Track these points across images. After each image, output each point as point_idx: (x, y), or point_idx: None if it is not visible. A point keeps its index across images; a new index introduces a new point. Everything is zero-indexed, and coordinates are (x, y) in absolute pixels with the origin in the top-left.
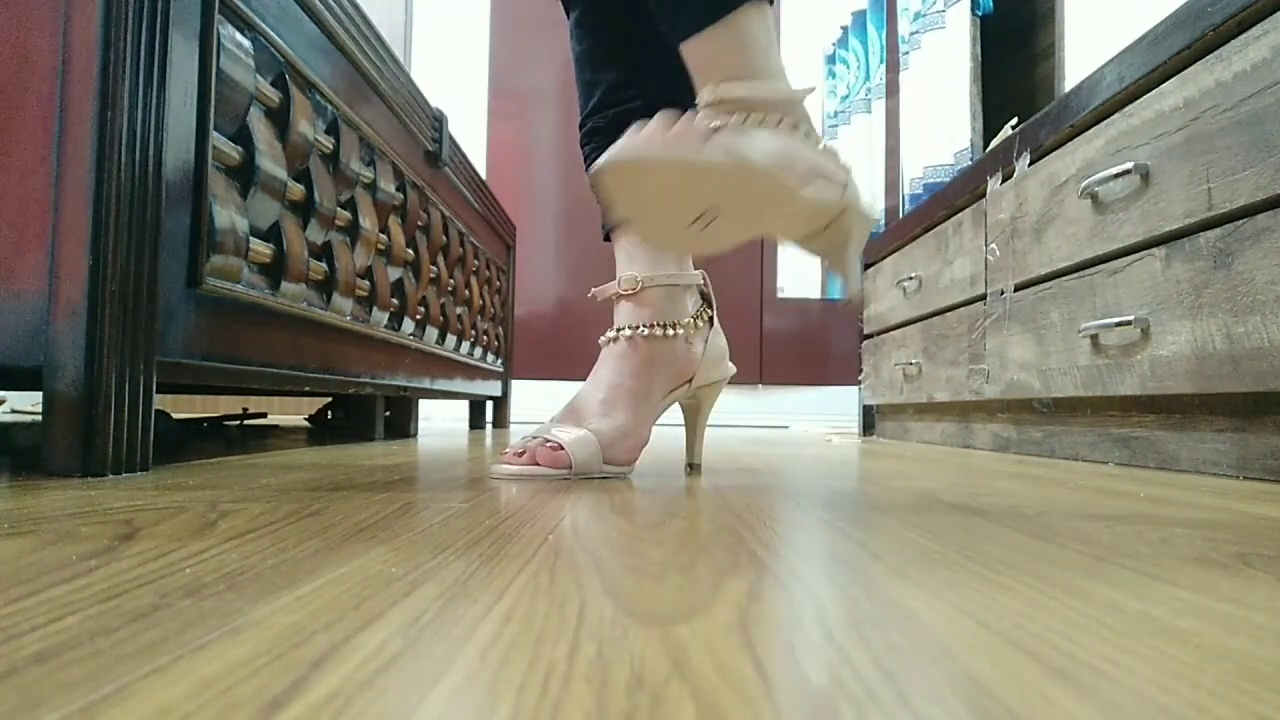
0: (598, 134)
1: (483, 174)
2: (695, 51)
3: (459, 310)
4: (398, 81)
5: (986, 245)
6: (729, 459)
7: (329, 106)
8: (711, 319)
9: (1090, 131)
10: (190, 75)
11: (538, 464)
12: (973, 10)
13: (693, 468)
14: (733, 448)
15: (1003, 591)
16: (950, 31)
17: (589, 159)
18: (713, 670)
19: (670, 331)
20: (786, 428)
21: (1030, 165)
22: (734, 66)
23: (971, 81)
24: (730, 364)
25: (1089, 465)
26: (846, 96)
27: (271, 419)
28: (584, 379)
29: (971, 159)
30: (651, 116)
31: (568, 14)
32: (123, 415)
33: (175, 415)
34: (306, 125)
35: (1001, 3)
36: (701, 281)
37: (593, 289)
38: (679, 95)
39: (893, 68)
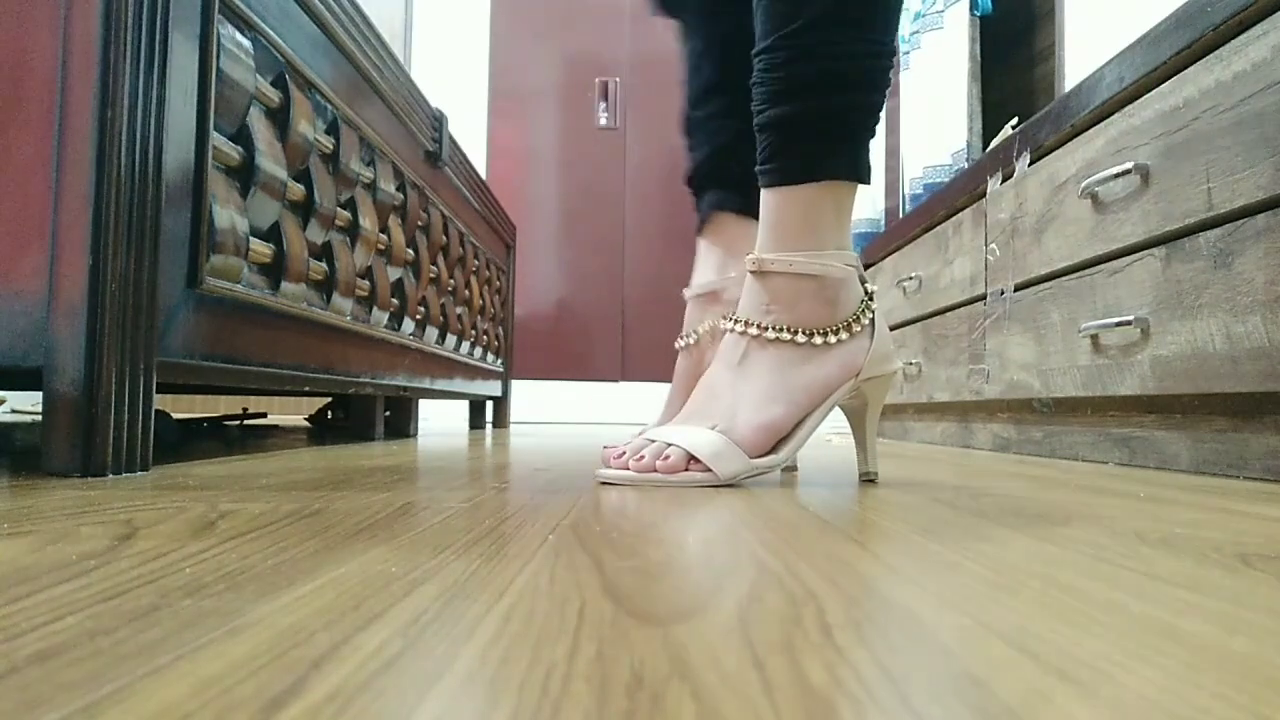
0: (689, 131)
1: (483, 174)
2: (765, 202)
3: (459, 310)
4: (398, 81)
5: (986, 245)
6: None
7: (329, 106)
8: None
9: (1090, 131)
10: (190, 75)
11: None
12: (971, 10)
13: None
14: None
15: (1003, 591)
16: (949, 31)
17: (688, 150)
18: (713, 670)
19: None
20: None
21: (1030, 165)
22: (788, 232)
23: (970, 81)
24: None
25: (1089, 465)
26: None
27: (271, 419)
28: (583, 379)
29: (968, 159)
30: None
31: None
32: (123, 415)
33: (175, 415)
34: (306, 125)
35: (1001, 3)
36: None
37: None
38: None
39: (893, 68)
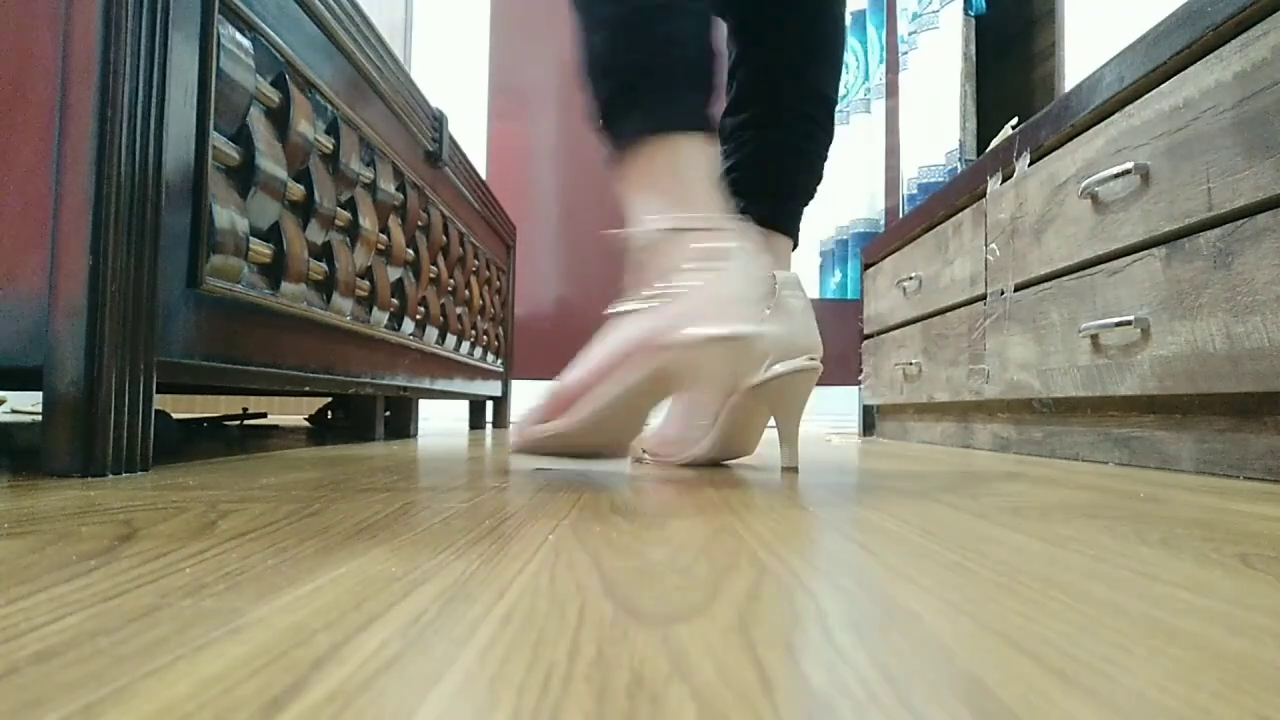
0: (721, 138)
1: (483, 174)
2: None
3: (459, 310)
4: (398, 81)
5: (986, 245)
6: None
7: (329, 106)
8: None
9: (1090, 131)
10: (190, 75)
11: None
12: (965, 10)
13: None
14: None
15: (1003, 591)
16: (944, 31)
17: (721, 156)
18: (713, 670)
19: None
20: None
21: (1030, 165)
22: (630, 209)
23: (964, 81)
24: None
25: (1089, 465)
26: (845, 96)
27: (271, 419)
28: None
29: (961, 159)
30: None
31: None
32: (123, 415)
33: (175, 415)
34: (306, 125)
35: (1000, 3)
36: None
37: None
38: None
39: (892, 68)
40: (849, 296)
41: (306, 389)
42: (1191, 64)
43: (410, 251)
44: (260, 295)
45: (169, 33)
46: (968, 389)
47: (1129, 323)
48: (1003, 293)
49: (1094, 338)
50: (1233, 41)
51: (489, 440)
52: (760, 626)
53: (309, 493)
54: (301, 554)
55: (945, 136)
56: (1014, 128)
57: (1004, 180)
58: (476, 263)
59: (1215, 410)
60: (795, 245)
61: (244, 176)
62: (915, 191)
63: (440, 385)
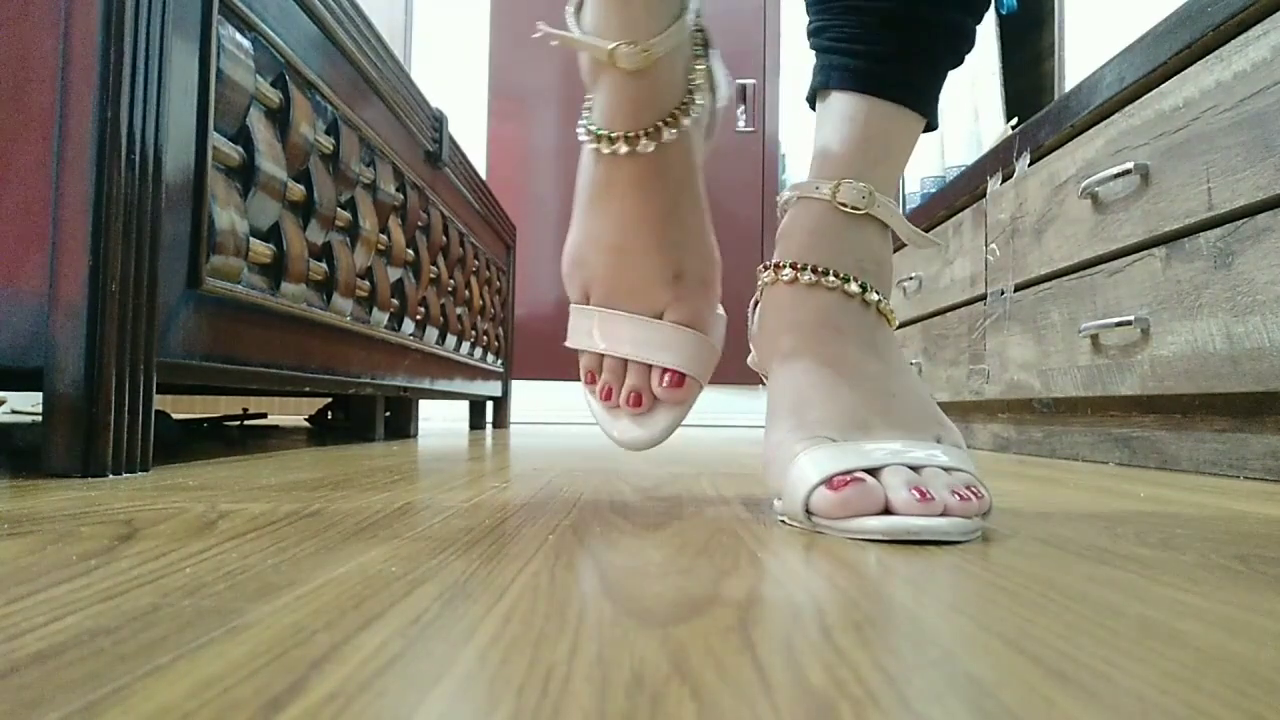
0: None
1: (483, 174)
2: (871, 113)
3: (459, 310)
4: (398, 81)
5: (986, 245)
6: (730, 459)
7: (329, 106)
8: None
9: (1090, 131)
10: (190, 75)
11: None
12: (997, 10)
13: None
14: (734, 448)
15: (1003, 593)
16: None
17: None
18: (713, 670)
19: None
20: None
21: (1030, 165)
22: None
23: (1001, 80)
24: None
25: (1089, 465)
26: None
27: (271, 419)
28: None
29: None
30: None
31: None
32: (123, 415)
33: (175, 415)
34: (306, 125)
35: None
36: None
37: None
38: None
39: None
40: None
41: (306, 389)
42: (1191, 64)
43: (410, 252)
44: (260, 295)
45: (169, 33)
46: (968, 389)
47: (1129, 323)
48: (1003, 293)
49: (1094, 338)
50: (1233, 41)
51: (489, 441)
52: (760, 626)
53: (309, 493)
54: (301, 554)
55: (986, 135)
56: (1014, 128)
57: (1004, 180)
58: (476, 263)
59: (1215, 410)
60: (929, 124)
61: (244, 177)
62: (933, 189)
63: (440, 385)
